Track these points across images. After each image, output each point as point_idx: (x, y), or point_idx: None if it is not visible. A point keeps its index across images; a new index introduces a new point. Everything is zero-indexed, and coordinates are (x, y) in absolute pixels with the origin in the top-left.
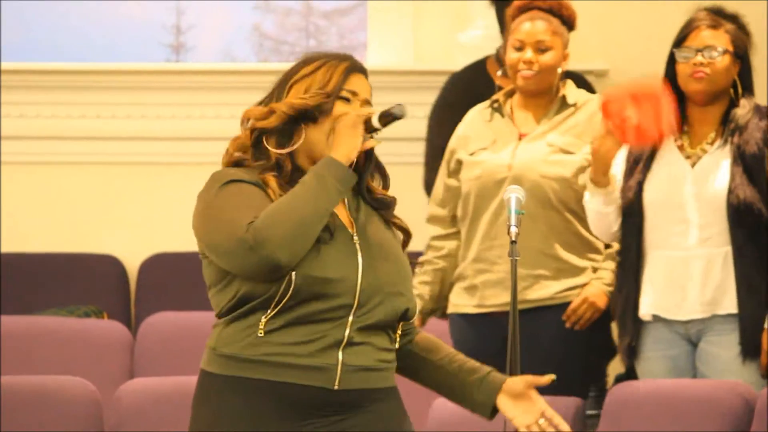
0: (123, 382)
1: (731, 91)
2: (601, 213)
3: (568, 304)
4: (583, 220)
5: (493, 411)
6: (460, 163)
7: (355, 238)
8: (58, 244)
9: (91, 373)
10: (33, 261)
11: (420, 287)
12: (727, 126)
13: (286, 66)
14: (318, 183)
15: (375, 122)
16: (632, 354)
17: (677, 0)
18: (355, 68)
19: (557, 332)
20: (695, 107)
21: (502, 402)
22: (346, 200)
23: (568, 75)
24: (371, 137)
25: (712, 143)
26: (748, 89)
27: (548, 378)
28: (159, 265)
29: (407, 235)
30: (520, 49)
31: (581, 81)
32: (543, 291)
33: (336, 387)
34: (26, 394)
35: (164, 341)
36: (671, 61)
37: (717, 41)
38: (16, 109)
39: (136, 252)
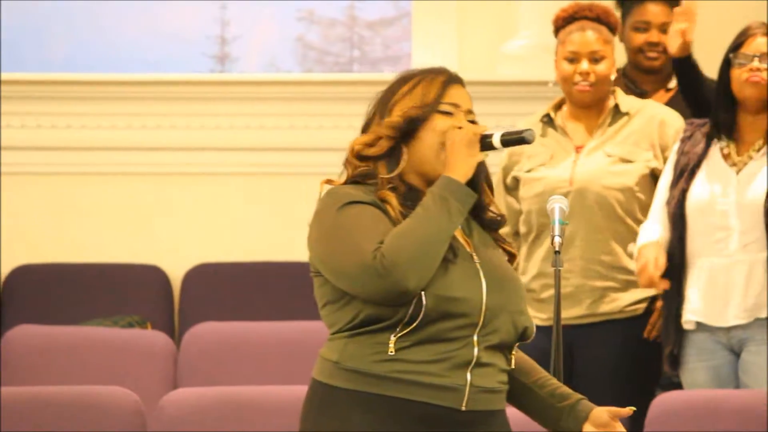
0: (166, 392)
1: None
2: None
3: (637, 317)
4: None
5: None
6: (516, 180)
7: (475, 257)
8: (103, 254)
9: (135, 383)
10: (78, 271)
11: None
12: None
13: (331, 76)
14: (440, 205)
15: (496, 142)
16: (675, 363)
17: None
18: (453, 80)
19: (626, 345)
20: (746, 115)
21: (587, 430)
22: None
23: None
24: (486, 155)
25: (758, 150)
26: None
27: (629, 410)
28: (202, 276)
29: (513, 257)
30: (573, 60)
31: None
32: (614, 304)
33: (463, 408)
34: (70, 404)
35: (207, 351)
36: (726, 67)
37: None
38: (61, 120)
39: (180, 262)
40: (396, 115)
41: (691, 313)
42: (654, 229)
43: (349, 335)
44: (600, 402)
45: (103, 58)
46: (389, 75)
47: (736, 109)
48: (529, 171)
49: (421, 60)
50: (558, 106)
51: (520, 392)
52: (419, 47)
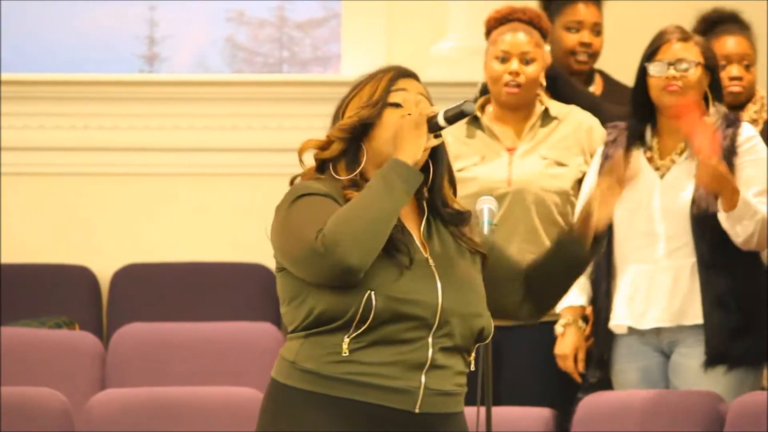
0: (94, 393)
1: (702, 102)
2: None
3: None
4: None
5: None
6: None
7: (430, 261)
8: (29, 254)
9: (63, 384)
10: (4, 272)
11: None
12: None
13: (260, 77)
14: (384, 184)
15: (441, 120)
16: (605, 366)
17: (681, 1)
18: (401, 74)
19: (542, 346)
20: (665, 120)
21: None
22: (422, 225)
23: None
24: (436, 136)
25: (680, 154)
26: (718, 99)
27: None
28: (131, 276)
29: (483, 256)
30: (504, 60)
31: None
32: None
33: (417, 410)
34: None
35: (136, 352)
36: (642, 75)
37: (688, 54)
38: None
39: (108, 263)
40: (347, 117)
41: (619, 318)
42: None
43: (305, 335)
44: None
45: (30, 58)
46: (318, 76)
47: (656, 114)
48: (460, 170)
49: (351, 61)
50: (482, 108)
51: (539, 267)
52: (348, 48)
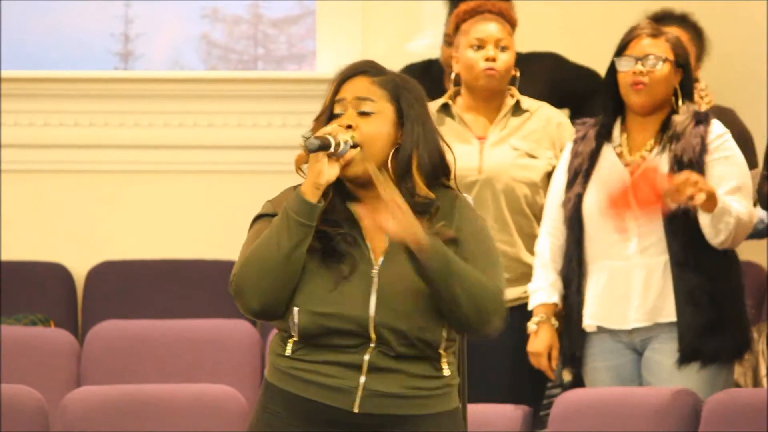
0: (69, 390)
1: (672, 99)
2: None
3: (524, 306)
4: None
5: None
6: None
7: (374, 272)
8: (4, 251)
9: (38, 381)
10: None
11: None
12: (665, 133)
13: (235, 74)
14: (281, 221)
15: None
16: (578, 364)
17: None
18: (345, 77)
19: (513, 337)
20: (635, 116)
21: None
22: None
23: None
24: (331, 154)
25: (650, 150)
26: (689, 97)
27: None
28: (106, 274)
29: (455, 245)
30: (479, 48)
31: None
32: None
33: (356, 410)
34: None
35: (111, 349)
36: (612, 71)
37: (657, 50)
38: None
39: (83, 260)
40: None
41: (590, 318)
42: (548, 279)
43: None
44: (495, 389)
45: (3, 55)
46: (294, 73)
47: (625, 110)
48: None
49: (326, 58)
50: (454, 97)
51: None
52: (324, 45)
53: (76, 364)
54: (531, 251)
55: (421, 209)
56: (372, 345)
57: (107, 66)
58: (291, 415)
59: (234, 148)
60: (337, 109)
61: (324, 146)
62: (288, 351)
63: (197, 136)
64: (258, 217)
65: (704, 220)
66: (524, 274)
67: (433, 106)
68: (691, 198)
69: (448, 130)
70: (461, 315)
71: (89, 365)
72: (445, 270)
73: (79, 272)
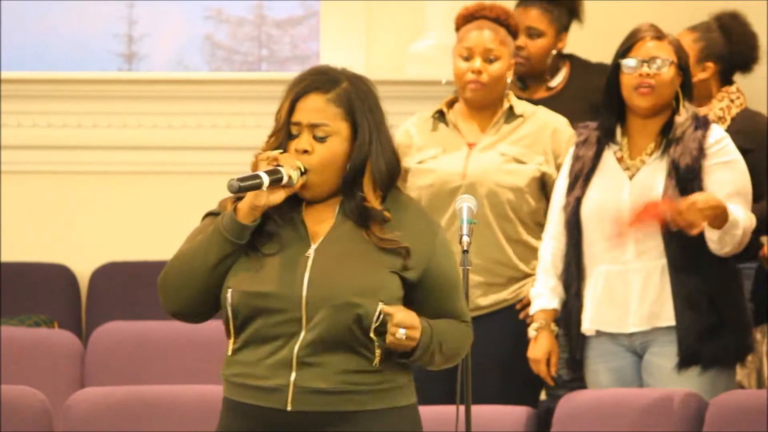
0: (73, 391)
1: (673, 102)
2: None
3: (511, 306)
4: (530, 228)
5: None
6: (406, 171)
7: (310, 251)
8: (8, 253)
9: (42, 382)
10: None
11: None
12: (666, 137)
13: (239, 75)
14: (213, 234)
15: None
16: (578, 367)
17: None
18: (299, 95)
19: (507, 338)
20: (636, 118)
21: None
22: (337, 214)
23: None
24: (284, 185)
25: (650, 154)
26: (689, 99)
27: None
28: (110, 275)
29: (405, 251)
30: (468, 58)
31: None
32: (494, 296)
33: (289, 408)
34: None
35: (115, 351)
36: (615, 72)
37: (662, 52)
38: None
39: (87, 261)
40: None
41: (589, 322)
42: (549, 284)
43: None
44: (488, 391)
45: (6, 56)
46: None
47: (626, 113)
48: (420, 162)
49: (330, 59)
50: (451, 104)
51: None
52: (327, 47)
53: (80, 365)
54: (518, 255)
55: (374, 216)
56: (302, 333)
57: (111, 67)
58: (237, 423)
59: (238, 150)
60: (294, 131)
61: (277, 180)
62: (229, 351)
63: (201, 138)
64: (208, 215)
65: (711, 235)
66: (511, 278)
67: (428, 113)
68: (691, 226)
69: (440, 136)
70: (434, 366)
71: (93, 366)
72: (432, 355)
73: (83, 273)
